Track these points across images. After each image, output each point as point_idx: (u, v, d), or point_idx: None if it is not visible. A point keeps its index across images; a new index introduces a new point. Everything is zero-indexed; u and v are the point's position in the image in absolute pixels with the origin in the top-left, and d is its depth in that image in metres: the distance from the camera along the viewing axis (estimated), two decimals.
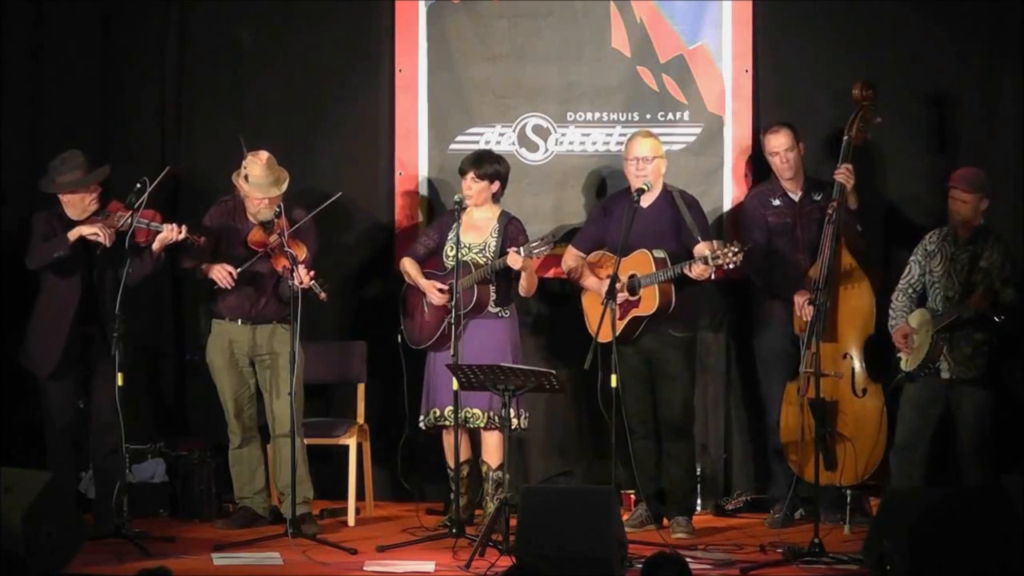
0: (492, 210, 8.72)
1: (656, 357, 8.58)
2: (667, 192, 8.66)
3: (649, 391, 8.63)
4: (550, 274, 9.06)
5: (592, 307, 8.63)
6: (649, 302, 8.45)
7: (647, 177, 8.54)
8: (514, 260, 8.44)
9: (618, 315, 8.33)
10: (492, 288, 8.60)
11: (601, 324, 8.10)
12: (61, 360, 8.28)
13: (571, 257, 8.81)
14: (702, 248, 8.41)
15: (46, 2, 9.19)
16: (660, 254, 8.46)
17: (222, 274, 8.48)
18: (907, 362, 8.23)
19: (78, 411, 8.43)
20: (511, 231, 8.68)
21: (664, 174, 8.65)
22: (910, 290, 8.34)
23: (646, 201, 8.54)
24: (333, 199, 8.54)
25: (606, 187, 9.18)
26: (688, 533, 8.54)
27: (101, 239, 8.17)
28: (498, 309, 8.64)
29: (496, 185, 8.71)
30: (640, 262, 8.46)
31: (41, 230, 8.30)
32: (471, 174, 8.66)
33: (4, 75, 9.01)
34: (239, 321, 8.61)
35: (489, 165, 8.70)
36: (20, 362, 8.41)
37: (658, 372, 8.60)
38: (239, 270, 8.48)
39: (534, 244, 8.44)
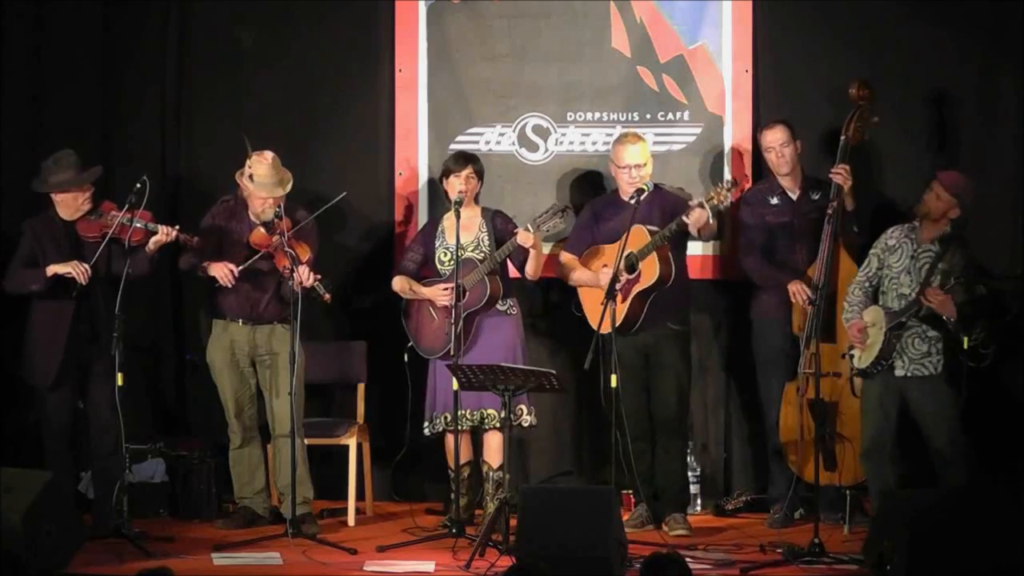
0: (474, 208, 8.75)
1: (653, 351, 8.60)
2: (655, 187, 8.65)
3: (645, 391, 8.64)
4: (553, 274, 9.04)
5: (588, 300, 8.64)
6: (649, 272, 8.45)
7: (641, 181, 8.55)
8: (525, 238, 8.44)
9: (620, 299, 8.34)
10: (498, 279, 8.62)
11: (601, 321, 8.11)
12: (60, 370, 8.29)
13: (565, 259, 8.82)
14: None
15: (46, 2, 9.20)
16: (652, 228, 8.46)
17: (223, 271, 8.47)
18: (860, 359, 8.18)
19: (76, 413, 8.43)
20: (499, 223, 8.71)
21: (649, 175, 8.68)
22: (867, 283, 8.25)
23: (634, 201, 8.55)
24: (338, 199, 8.57)
25: (605, 187, 9.18)
26: (686, 530, 8.54)
27: (74, 276, 8.18)
28: (506, 306, 8.65)
29: (480, 184, 8.74)
30: (636, 238, 8.43)
31: (25, 249, 8.31)
32: (468, 169, 8.67)
33: (4, 75, 9.02)
34: (240, 321, 8.61)
35: (480, 163, 8.76)
36: (22, 375, 8.40)
37: (654, 366, 8.62)
38: (240, 268, 8.48)
39: (540, 218, 8.46)
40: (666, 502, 8.69)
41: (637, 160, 8.61)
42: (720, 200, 8.37)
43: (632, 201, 8.37)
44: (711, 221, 8.43)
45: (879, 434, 8.14)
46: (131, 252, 8.25)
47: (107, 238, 8.26)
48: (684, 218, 8.33)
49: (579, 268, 8.72)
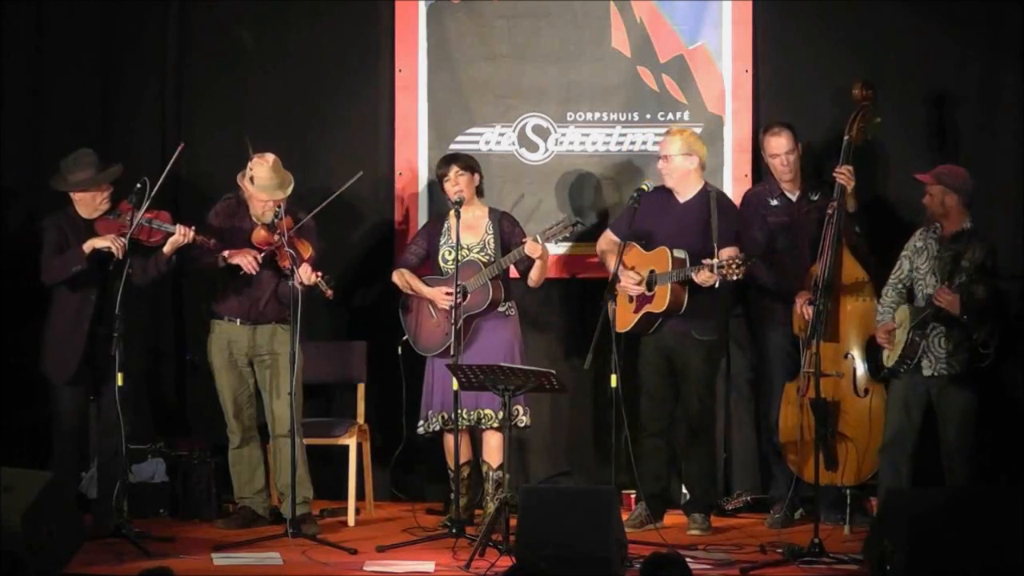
0: (481, 208, 8.75)
1: (676, 356, 8.58)
2: (705, 192, 8.64)
3: (667, 389, 8.62)
4: (551, 274, 9.03)
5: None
6: (661, 301, 8.45)
7: (672, 174, 8.55)
8: (533, 248, 8.45)
9: (634, 307, 8.38)
10: (501, 283, 8.62)
11: (614, 321, 8.12)
12: (79, 366, 8.29)
13: (605, 241, 8.79)
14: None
15: (46, 2, 9.19)
16: (680, 254, 8.46)
17: (247, 259, 8.45)
18: (888, 358, 8.21)
19: (87, 414, 8.42)
20: (505, 225, 8.72)
21: (692, 171, 8.59)
22: (899, 285, 8.29)
23: (683, 197, 8.57)
24: (355, 179, 8.57)
25: (605, 187, 9.19)
26: (702, 530, 8.57)
27: (113, 251, 8.18)
28: (505, 307, 8.66)
29: (477, 177, 8.74)
30: (660, 259, 8.47)
31: (53, 241, 8.30)
32: (454, 169, 8.68)
33: (5, 74, 9.02)
34: (238, 321, 8.61)
35: (466, 158, 8.76)
36: (40, 369, 8.39)
37: (677, 372, 8.61)
38: (263, 255, 8.46)
39: (550, 230, 8.45)
40: (689, 503, 8.72)
41: (665, 151, 8.61)
42: (730, 273, 8.18)
43: (634, 199, 8.39)
44: (715, 286, 8.39)
45: (899, 432, 8.16)
46: (142, 254, 8.24)
47: (125, 238, 8.25)
48: (693, 275, 8.31)
49: (614, 260, 8.63)
